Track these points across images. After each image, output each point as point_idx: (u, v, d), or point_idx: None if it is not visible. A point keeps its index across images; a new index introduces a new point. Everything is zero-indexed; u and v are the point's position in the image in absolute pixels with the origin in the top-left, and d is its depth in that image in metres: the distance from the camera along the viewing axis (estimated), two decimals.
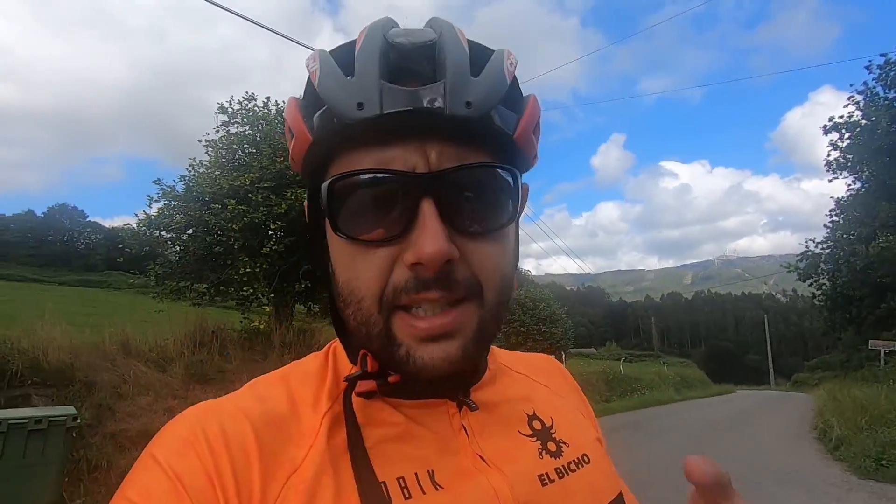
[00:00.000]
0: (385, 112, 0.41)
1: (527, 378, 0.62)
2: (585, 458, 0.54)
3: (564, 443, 0.55)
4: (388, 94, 0.41)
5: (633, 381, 19.92)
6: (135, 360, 6.45)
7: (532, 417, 0.56)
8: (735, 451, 8.54)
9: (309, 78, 0.47)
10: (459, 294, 0.43)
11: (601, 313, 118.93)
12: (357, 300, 0.44)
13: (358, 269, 0.44)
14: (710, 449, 8.48)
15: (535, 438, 0.54)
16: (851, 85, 19.92)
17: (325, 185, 0.44)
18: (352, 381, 0.48)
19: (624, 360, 28.90)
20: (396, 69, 0.43)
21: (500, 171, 0.45)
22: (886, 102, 18.75)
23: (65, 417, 4.06)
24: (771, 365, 48.79)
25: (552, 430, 0.55)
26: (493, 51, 0.48)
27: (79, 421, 4.27)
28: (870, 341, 18.00)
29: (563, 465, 0.52)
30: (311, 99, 0.46)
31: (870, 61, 18.97)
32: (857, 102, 19.67)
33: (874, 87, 19.24)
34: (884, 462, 6.96)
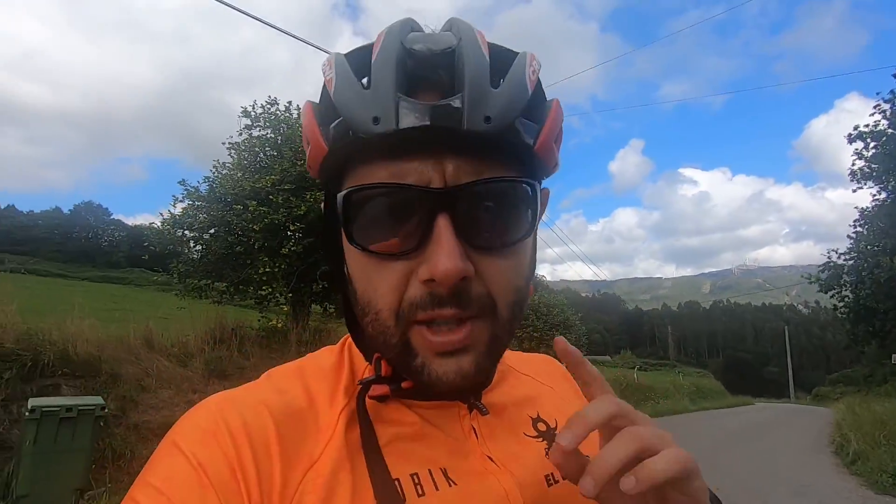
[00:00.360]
0: (401, 128, 0.40)
1: (532, 379, 0.63)
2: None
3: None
4: (404, 109, 0.40)
5: (647, 390, 19.72)
6: (157, 355, 6.67)
7: (537, 420, 0.57)
8: (749, 462, 8.45)
9: (325, 84, 0.46)
10: (472, 311, 0.43)
11: (616, 321, 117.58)
12: (375, 311, 0.44)
13: (374, 280, 0.44)
14: (724, 459, 8.40)
15: (540, 440, 0.55)
16: (878, 93, 19.51)
17: (340, 195, 0.44)
18: (366, 385, 0.49)
19: (638, 369, 28.59)
20: (413, 78, 0.43)
21: (518, 184, 0.44)
22: None
23: (93, 407, 4.26)
24: (791, 378, 47.75)
25: (556, 432, 0.56)
26: (516, 54, 0.47)
27: (105, 411, 4.46)
28: (893, 356, 17.56)
29: None
30: (327, 107, 0.45)
31: None
32: (884, 111, 19.24)
33: None
34: None
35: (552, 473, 0.52)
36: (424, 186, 0.41)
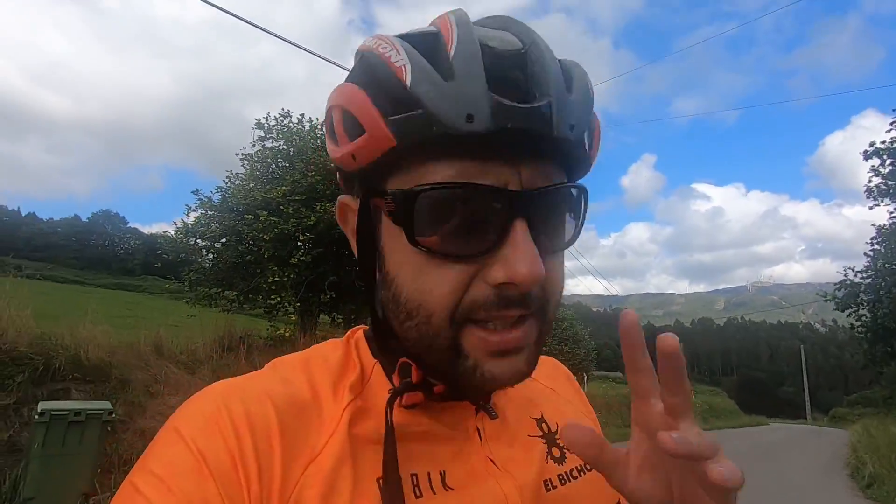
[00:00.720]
0: (498, 128, 0.39)
1: (535, 381, 0.62)
2: (587, 467, 0.55)
3: (568, 449, 0.55)
4: (499, 110, 0.39)
5: None
6: (167, 361, 6.75)
7: (539, 421, 0.57)
8: (761, 483, 8.25)
9: (388, 69, 0.41)
10: (532, 310, 0.43)
11: None
12: (426, 314, 0.42)
13: (430, 282, 0.42)
14: None
15: (543, 443, 0.55)
16: (894, 109, 19.30)
17: (401, 192, 0.42)
18: (398, 393, 0.47)
19: None
20: (492, 77, 0.40)
21: (579, 190, 0.46)
22: None
23: (101, 411, 4.30)
24: (807, 398, 46.57)
25: (557, 436, 0.56)
26: (569, 62, 0.47)
27: (113, 416, 4.52)
28: None
29: (565, 472, 0.53)
30: (397, 97, 0.41)
31: None
32: None
33: None
34: None
35: (550, 479, 0.52)
36: (504, 188, 0.41)
